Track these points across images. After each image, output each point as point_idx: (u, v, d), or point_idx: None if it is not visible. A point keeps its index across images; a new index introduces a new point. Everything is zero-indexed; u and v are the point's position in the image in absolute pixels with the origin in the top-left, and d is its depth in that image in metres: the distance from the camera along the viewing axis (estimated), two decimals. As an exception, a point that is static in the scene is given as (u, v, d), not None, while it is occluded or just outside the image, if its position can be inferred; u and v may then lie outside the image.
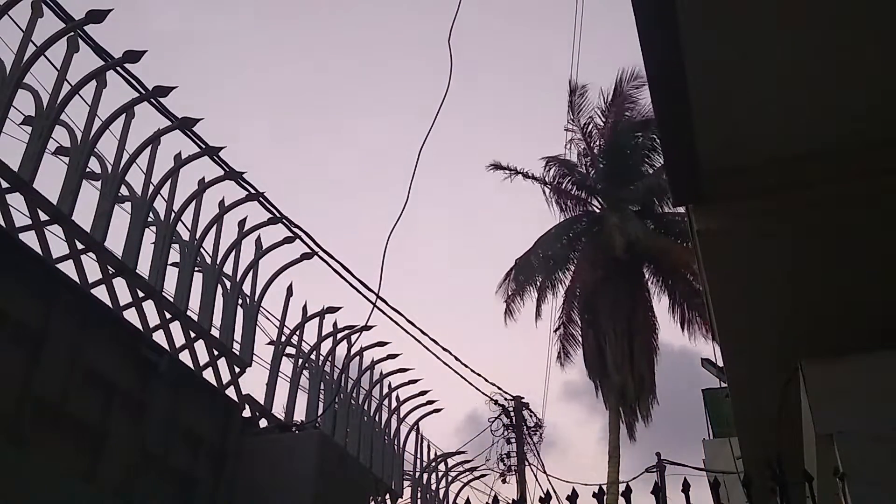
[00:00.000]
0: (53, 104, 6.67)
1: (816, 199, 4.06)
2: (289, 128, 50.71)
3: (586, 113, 24.02)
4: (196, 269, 8.29)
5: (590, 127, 24.23)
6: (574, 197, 24.45)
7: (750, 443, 6.19)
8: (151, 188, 7.68)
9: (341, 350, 10.40)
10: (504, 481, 17.95)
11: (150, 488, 6.81)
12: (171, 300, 7.83)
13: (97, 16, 6.65)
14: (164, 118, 7.59)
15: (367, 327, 10.07)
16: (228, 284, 8.75)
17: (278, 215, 8.84)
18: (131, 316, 7.33)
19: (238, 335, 8.72)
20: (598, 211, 24.34)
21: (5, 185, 6.26)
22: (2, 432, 5.44)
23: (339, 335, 10.27)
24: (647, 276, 23.58)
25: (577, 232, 24.46)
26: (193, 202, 8.21)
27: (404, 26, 53.04)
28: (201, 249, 8.39)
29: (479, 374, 15.88)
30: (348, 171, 52.05)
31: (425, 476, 12.83)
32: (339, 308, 10.03)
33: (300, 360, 9.76)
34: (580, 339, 23.84)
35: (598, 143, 24.42)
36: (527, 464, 17.79)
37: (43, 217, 6.54)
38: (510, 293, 23.64)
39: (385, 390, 11.37)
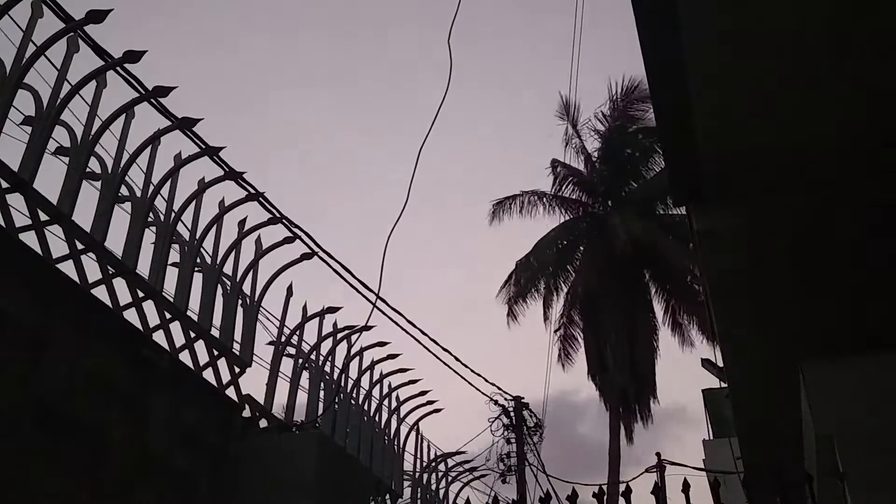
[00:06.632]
0: (53, 104, 6.67)
1: (816, 199, 4.07)
2: (287, 128, 50.71)
3: (589, 116, 24.21)
4: (196, 269, 8.29)
5: (591, 131, 24.38)
6: (575, 201, 24.52)
7: (750, 443, 6.21)
8: (151, 188, 7.68)
9: (341, 350, 10.40)
10: (504, 481, 17.93)
11: (150, 488, 6.81)
12: (171, 300, 7.83)
13: (97, 16, 6.64)
14: (164, 118, 7.59)
15: (367, 327, 10.06)
16: (228, 284, 8.75)
17: (278, 215, 8.83)
18: (131, 316, 7.35)
19: (238, 335, 8.72)
20: (599, 212, 24.39)
21: (5, 185, 6.26)
22: (2, 432, 5.44)
23: (339, 335, 10.26)
24: (647, 277, 23.60)
25: (577, 233, 24.48)
26: (193, 202, 8.21)
27: (404, 26, 53.05)
28: (201, 249, 8.39)
29: (478, 375, 15.81)
30: (348, 170, 52.06)
31: (425, 476, 12.83)
32: (339, 308, 10.03)
33: (300, 360, 9.76)
34: (581, 340, 23.85)
35: (600, 146, 24.55)
36: (527, 464, 17.77)
37: (43, 217, 6.54)
38: (511, 296, 23.66)
39: (385, 390, 11.36)
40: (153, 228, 7.88)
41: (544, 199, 24.10)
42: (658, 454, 19.32)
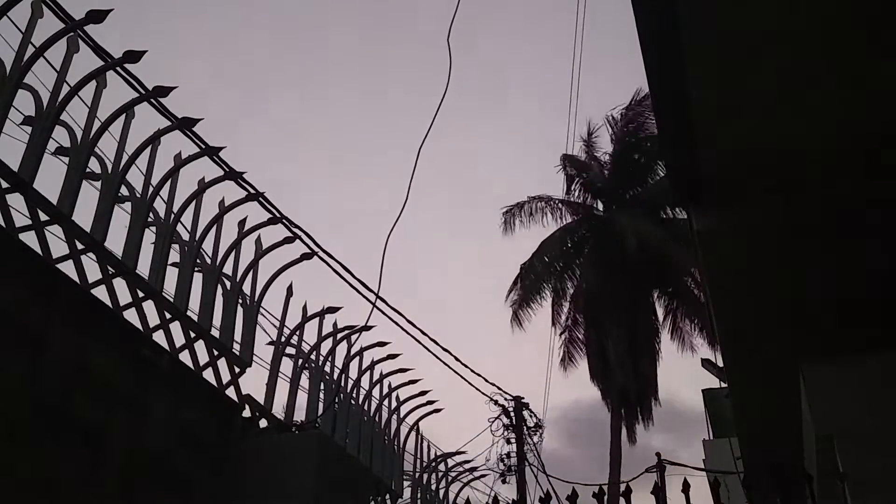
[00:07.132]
0: (53, 104, 6.67)
1: (816, 199, 4.07)
2: (288, 128, 50.69)
3: (590, 118, 24.30)
4: (196, 269, 8.28)
5: (598, 133, 24.52)
6: (580, 204, 24.56)
7: (750, 443, 6.21)
8: (151, 188, 7.68)
9: (341, 350, 10.40)
10: (504, 481, 17.93)
11: (150, 488, 6.81)
12: (171, 300, 7.83)
13: (97, 16, 6.64)
14: (164, 118, 7.59)
15: (366, 327, 10.05)
16: (228, 284, 8.74)
17: (278, 215, 8.82)
18: (131, 316, 7.34)
19: (238, 335, 8.71)
20: (603, 214, 24.44)
21: (5, 185, 6.26)
22: (2, 432, 5.44)
23: (339, 335, 10.26)
24: (650, 279, 23.58)
25: (581, 235, 24.49)
26: (193, 202, 8.20)
27: (403, 28, 53.04)
28: (201, 249, 8.39)
29: (478, 375, 15.79)
30: (349, 170, 52.03)
31: (425, 476, 12.83)
32: (339, 308, 10.02)
33: (300, 360, 9.76)
34: (584, 342, 23.85)
35: (606, 148, 24.66)
36: (527, 464, 17.77)
37: (43, 217, 6.54)
38: (517, 299, 23.66)
39: (385, 390, 11.36)
40: (153, 228, 7.87)
41: (550, 203, 24.15)
42: (658, 454, 19.33)
